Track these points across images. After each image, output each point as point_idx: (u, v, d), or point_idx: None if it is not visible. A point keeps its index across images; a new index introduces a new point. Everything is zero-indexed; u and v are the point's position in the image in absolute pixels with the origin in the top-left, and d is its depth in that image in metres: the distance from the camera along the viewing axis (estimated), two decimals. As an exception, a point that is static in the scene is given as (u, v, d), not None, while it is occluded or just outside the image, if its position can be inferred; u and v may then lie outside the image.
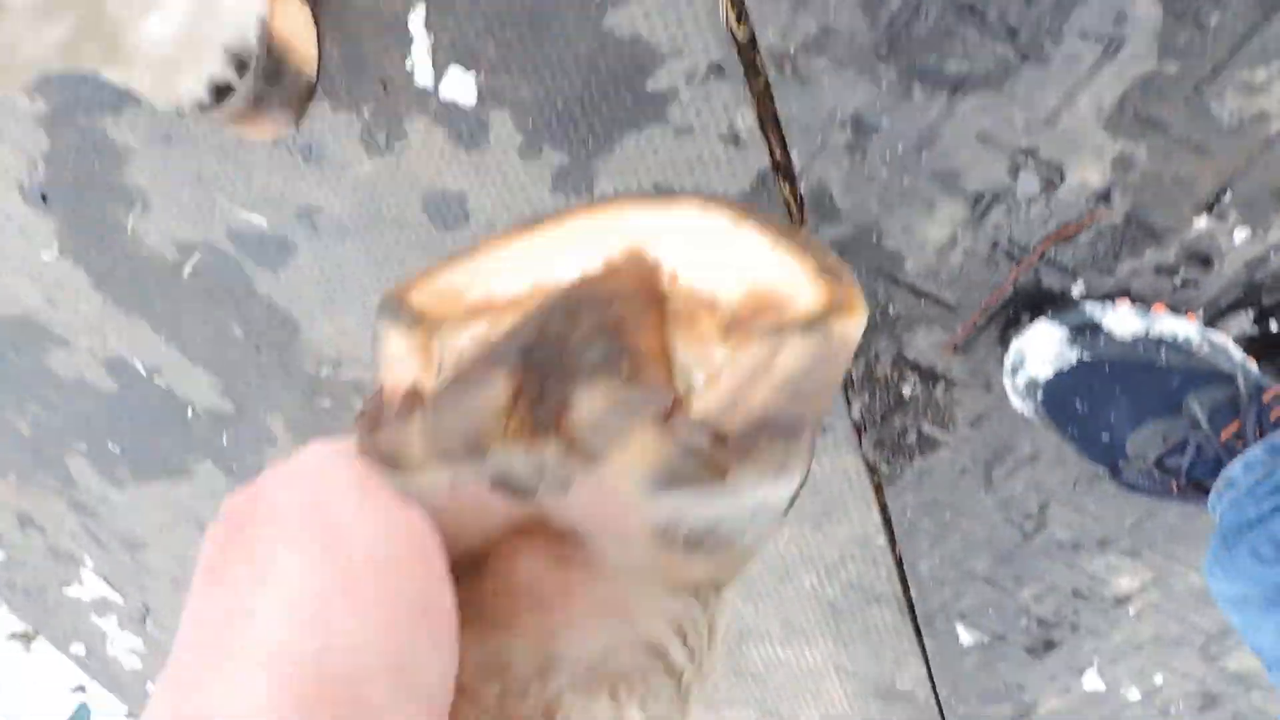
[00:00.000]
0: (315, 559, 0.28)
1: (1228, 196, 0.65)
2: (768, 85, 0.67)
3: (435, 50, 0.71)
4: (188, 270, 0.96)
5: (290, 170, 0.83)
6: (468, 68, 0.71)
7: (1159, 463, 0.75)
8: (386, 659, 0.27)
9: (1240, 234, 0.67)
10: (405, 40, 0.71)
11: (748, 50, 0.66)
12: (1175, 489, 0.75)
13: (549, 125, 0.73)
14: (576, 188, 0.76)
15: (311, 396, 1.08)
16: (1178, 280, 0.71)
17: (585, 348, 0.30)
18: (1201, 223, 0.67)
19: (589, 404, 0.29)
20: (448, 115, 0.74)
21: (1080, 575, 0.97)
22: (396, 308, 0.33)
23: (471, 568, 0.32)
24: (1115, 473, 0.78)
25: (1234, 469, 0.70)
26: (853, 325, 0.28)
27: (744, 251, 0.30)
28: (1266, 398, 0.70)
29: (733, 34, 0.64)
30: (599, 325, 0.30)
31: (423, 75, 0.72)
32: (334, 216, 0.85)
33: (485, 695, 0.31)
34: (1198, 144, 0.63)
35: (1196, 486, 0.75)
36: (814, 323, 0.27)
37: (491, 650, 0.32)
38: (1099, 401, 0.74)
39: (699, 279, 0.31)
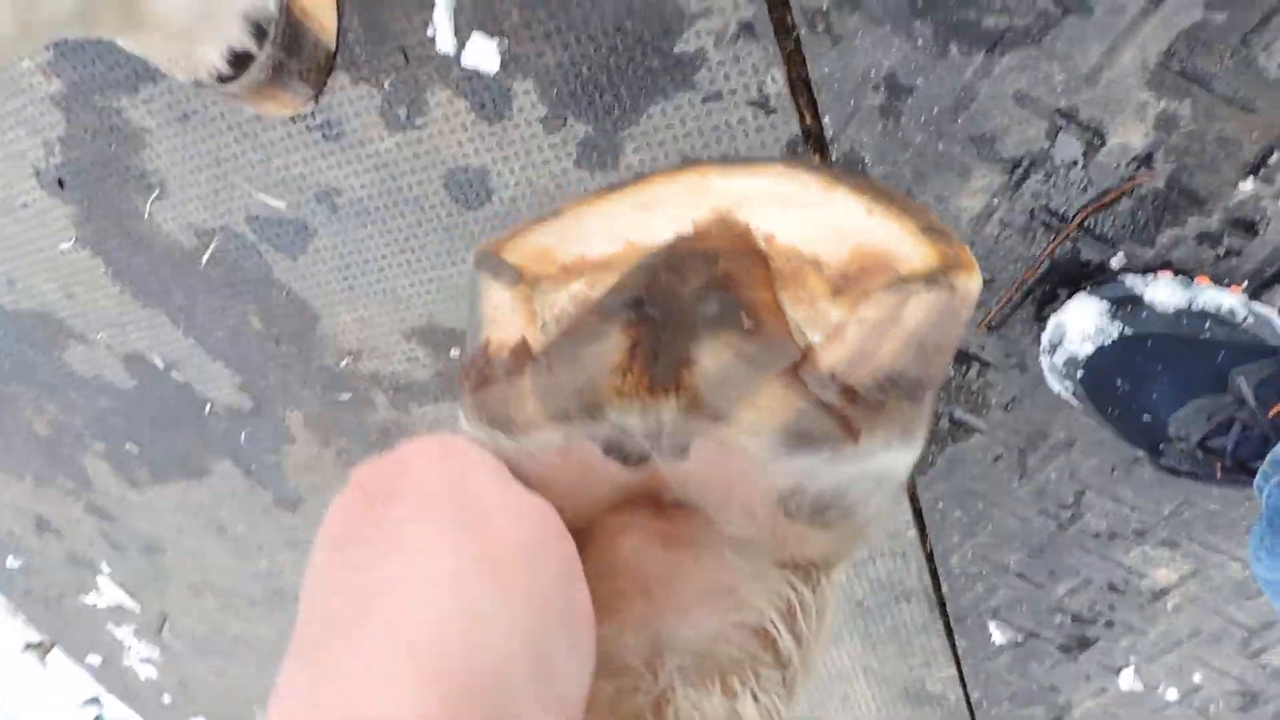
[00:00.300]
0: (460, 541, 0.25)
1: (1274, 157, 0.63)
2: (799, 45, 0.65)
3: (457, 15, 0.69)
4: (206, 258, 0.95)
5: (309, 149, 0.82)
6: (491, 34, 0.69)
7: (1203, 444, 0.72)
8: (530, 663, 0.25)
9: (1289, 197, 0.65)
10: (427, 5, 0.70)
11: (779, 7, 0.64)
12: (1219, 471, 0.73)
13: (574, 94, 0.71)
14: (602, 161, 0.74)
15: (331, 390, 1.06)
16: (1221, 249, 0.69)
17: (700, 301, 0.28)
18: (1247, 186, 0.65)
19: (713, 358, 0.27)
20: (470, 85, 0.73)
21: (1116, 568, 0.93)
22: (496, 263, 0.31)
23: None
24: (1156, 456, 0.75)
25: (1282, 448, 0.67)
26: (973, 282, 0.26)
27: (839, 215, 0.29)
28: (1316, 370, 0.67)
29: (763, -11, 0.63)
30: (709, 280, 0.29)
31: (444, 42, 0.71)
32: (354, 197, 0.84)
33: (598, 693, 0.29)
34: (1244, 101, 0.61)
35: (1241, 468, 0.72)
36: (938, 276, 0.26)
37: (599, 641, 0.30)
38: (1141, 379, 0.72)
39: (798, 240, 0.30)
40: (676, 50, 0.67)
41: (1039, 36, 0.61)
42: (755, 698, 0.30)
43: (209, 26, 0.66)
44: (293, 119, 0.80)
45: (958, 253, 0.26)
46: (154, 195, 0.91)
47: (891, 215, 0.28)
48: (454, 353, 0.95)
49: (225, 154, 0.85)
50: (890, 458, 0.28)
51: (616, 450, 0.29)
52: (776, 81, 0.66)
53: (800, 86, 0.67)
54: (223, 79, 0.70)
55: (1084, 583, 0.96)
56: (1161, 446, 0.74)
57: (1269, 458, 0.68)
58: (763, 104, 0.68)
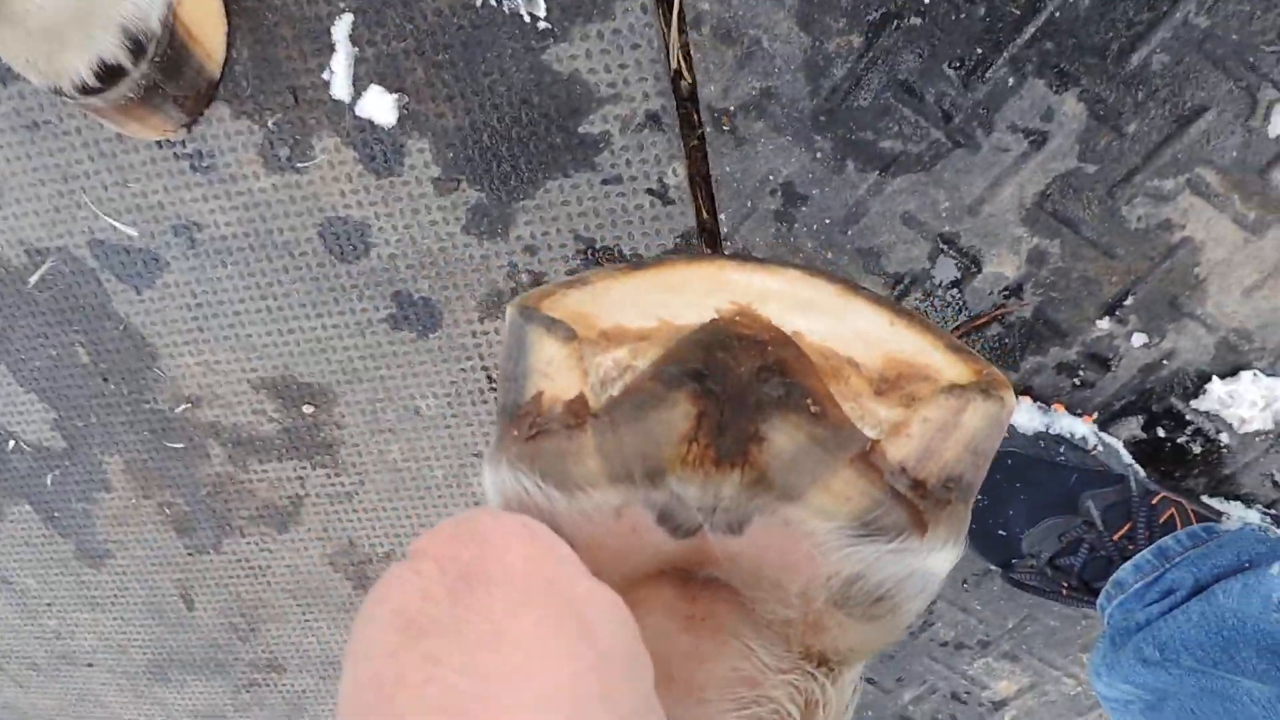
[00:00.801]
0: (571, 644, 0.23)
1: (1129, 301, 0.68)
2: (702, 142, 0.65)
3: (358, 64, 0.66)
4: (35, 279, 0.86)
5: (174, 178, 0.76)
6: (391, 88, 0.67)
7: (1053, 562, 0.75)
8: None
9: (1138, 339, 0.69)
10: (326, 49, 0.66)
11: (686, 103, 0.65)
12: (1066, 590, 0.76)
13: (470, 159, 0.69)
14: (492, 230, 0.72)
15: (161, 437, 0.97)
16: (1077, 380, 0.73)
17: (762, 382, 0.28)
18: (1103, 325, 0.69)
19: (786, 438, 0.27)
20: (361, 136, 0.70)
21: (960, 678, 0.96)
22: (548, 318, 0.30)
23: None
24: (1008, 570, 0.78)
25: (1124, 572, 0.71)
26: (1014, 399, 0.28)
27: (859, 322, 0.30)
28: (1155, 500, 0.72)
29: (675, 84, 0.63)
30: (765, 363, 0.29)
31: (340, 89, 0.67)
32: (216, 234, 0.78)
33: None
34: (1106, 246, 0.65)
35: (1086, 588, 0.75)
36: (989, 388, 0.27)
37: None
38: (1000, 495, 0.75)
39: (828, 340, 0.31)
40: (581, 130, 0.66)
41: (929, 164, 0.64)
42: None
43: (79, 31, 0.60)
44: (159, 143, 0.74)
45: (991, 371, 0.28)
46: (-17, 206, 0.82)
47: (915, 330, 0.29)
48: (307, 410, 0.89)
49: (75, 170, 0.78)
50: (944, 556, 0.29)
51: (669, 520, 0.29)
52: (677, 174, 0.67)
53: (700, 182, 0.68)
54: (86, 90, 0.64)
55: (929, 690, 0.98)
56: (1014, 562, 0.77)
57: (1112, 579, 0.72)
58: (661, 194, 0.68)
